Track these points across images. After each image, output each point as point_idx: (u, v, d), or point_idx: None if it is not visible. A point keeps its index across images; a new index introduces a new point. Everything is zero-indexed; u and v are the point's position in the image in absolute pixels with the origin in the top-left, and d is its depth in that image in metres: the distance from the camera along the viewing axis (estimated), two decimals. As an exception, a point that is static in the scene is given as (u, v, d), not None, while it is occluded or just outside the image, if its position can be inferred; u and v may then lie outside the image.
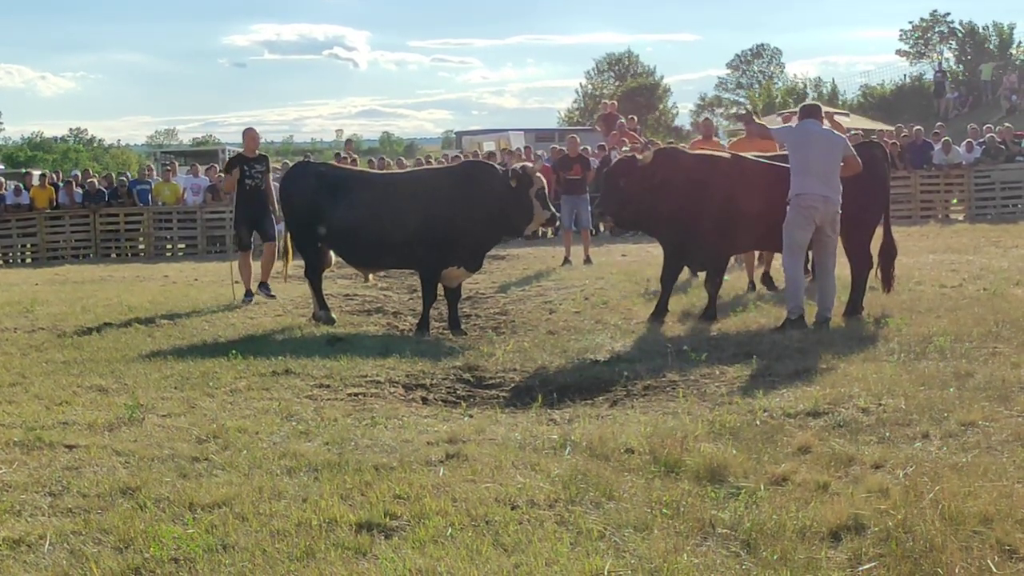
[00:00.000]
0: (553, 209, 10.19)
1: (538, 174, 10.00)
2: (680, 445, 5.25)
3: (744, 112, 12.03)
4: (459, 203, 9.76)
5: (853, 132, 18.31)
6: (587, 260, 15.67)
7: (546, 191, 10.11)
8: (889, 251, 9.74)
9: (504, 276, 14.58)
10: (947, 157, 22.21)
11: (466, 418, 6.31)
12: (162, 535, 4.21)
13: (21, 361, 8.45)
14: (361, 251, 10.30)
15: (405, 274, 15.77)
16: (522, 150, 24.67)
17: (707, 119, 13.60)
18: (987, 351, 7.22)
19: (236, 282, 12.50)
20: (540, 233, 14.27)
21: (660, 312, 9.47)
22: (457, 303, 10.15)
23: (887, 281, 9.74)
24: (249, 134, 12.64)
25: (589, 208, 16.12)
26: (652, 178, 9.23)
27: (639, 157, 9.48)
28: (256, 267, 12.43)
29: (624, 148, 19.05)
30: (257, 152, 12.58)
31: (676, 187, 9.24)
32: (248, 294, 12.12)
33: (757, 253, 11.52)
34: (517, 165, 10.43)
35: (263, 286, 12.10)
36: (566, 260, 15.70)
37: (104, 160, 60.38)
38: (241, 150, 12.76)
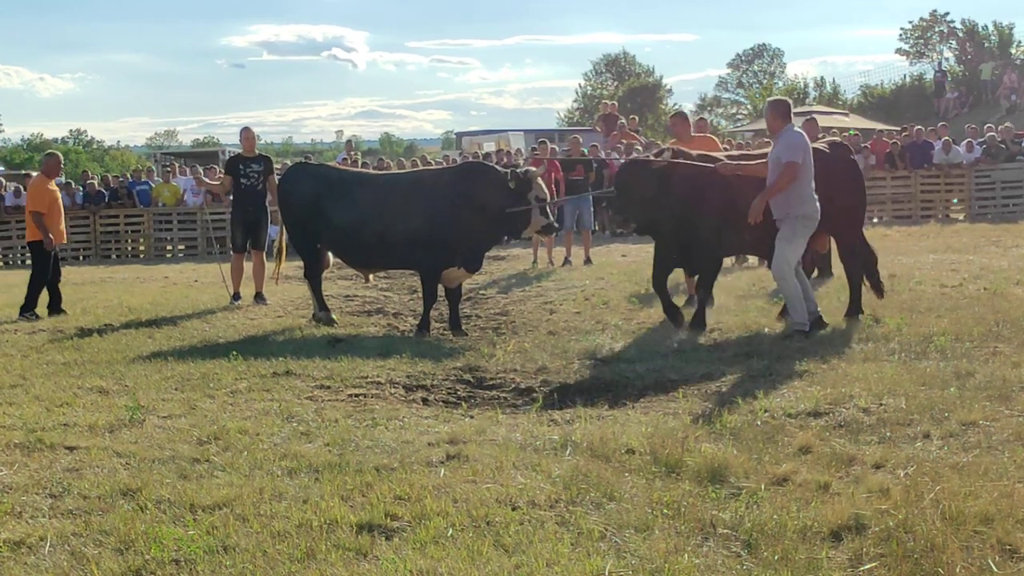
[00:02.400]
0: (552, 218, 10.10)
1: (539, 180, 9.95)
2: (681, 445, 5.25)
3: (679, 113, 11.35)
4: (459, 203, 9.74)
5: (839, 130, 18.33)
6: (587, 261, 15.68)
7: (548, 198, 10.07)
8: (869, 257, 9.31)
9: (504, 276, 14.59)
10: (947, 157, 22.22)
11: (467, 419, 6.31)
12: (163, 536, 4.21)
13: (22, 362, 8.46)
14: (360, 252, 10.30)
15: (405, 275, 15.78)
16: (523, 150, 24.69)
17: (702, 118, 13.31)
18: (988, 350, 7.23)
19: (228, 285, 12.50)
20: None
21: (701, 320, 8.92)
22: (458, 303, 10.15)
23: (877, 287, 9.29)
24: (245, 134, 12.55)
25: (591, 208, 16.14)
26: (669, 180, 8.81)
27: (655, 159, 9.08)
28: (249, 269, 12.36)
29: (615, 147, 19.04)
30: (256, 152, 12.52)
31: (693, 188, 8.78)
32: (235, 296, 12.06)
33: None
34: (520, 168, 10.37)
35: (258, 296, 12.00)
36: (566, 260, 15.71)
37: (104, 162, 60.40)
38: (240, 151, 12.75)
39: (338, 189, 10.23)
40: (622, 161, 9.33)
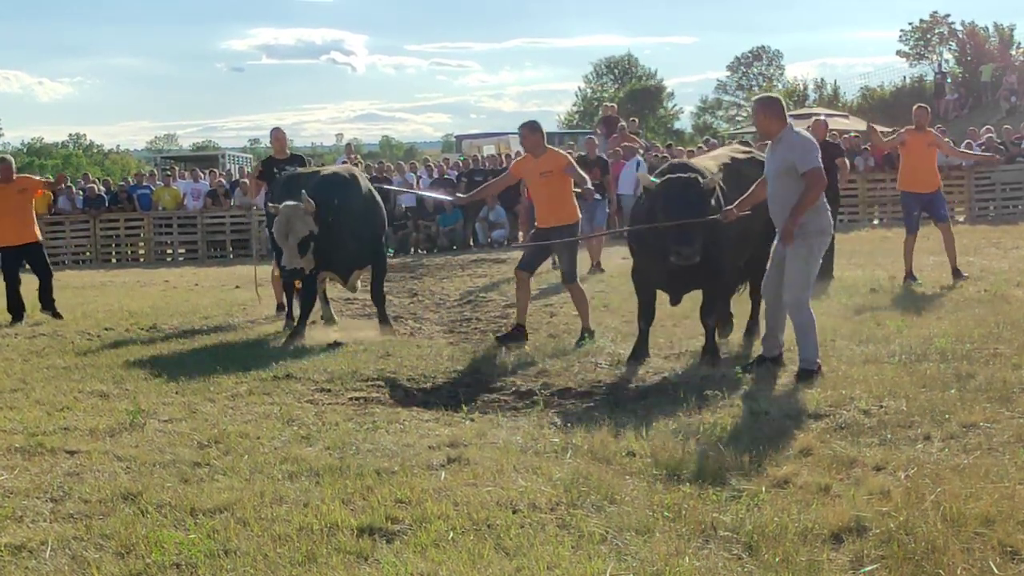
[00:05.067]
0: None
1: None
2: (681, 448, 5.25)
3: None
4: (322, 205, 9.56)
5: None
6: (596, 266, 14.72)
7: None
8: None
9: (505, 279, 14.57)
10: (947, 158, 22.18)
11: (467, 422, 6.31)
12: (164, 540, 4.21)
13: (22, 366, 8.46)
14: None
15: (406, 277, 15.81)
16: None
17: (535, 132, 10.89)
18: (988, 352, 7.22)
19: (259, 285, 12.16)
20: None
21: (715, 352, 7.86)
22: (382, 304, 10.05)
23: None
24: (276, 134, 11.77)
25: (606, 213, 15.23)
26: (713, 194, 7.52)
27: (703, 177, 7.54)
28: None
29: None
30: (288, 152, 11.73)
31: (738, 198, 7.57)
32: (280, 307, 11.41)
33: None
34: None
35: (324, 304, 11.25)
36: (593, 267, 14.36)
37: (105, 166, 60.43)
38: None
39: (287, 192, 10.13)
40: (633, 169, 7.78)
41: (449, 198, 14.94)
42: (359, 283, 11.03)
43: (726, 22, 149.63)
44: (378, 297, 10.18)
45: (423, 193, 19.08)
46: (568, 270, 9.16)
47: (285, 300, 11.08)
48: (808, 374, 6.89)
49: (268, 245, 11.94)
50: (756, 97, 7.90)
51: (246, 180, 23.89)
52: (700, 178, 7.53)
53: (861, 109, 41.41)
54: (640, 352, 7.91)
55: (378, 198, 10.33)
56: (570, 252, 9.14)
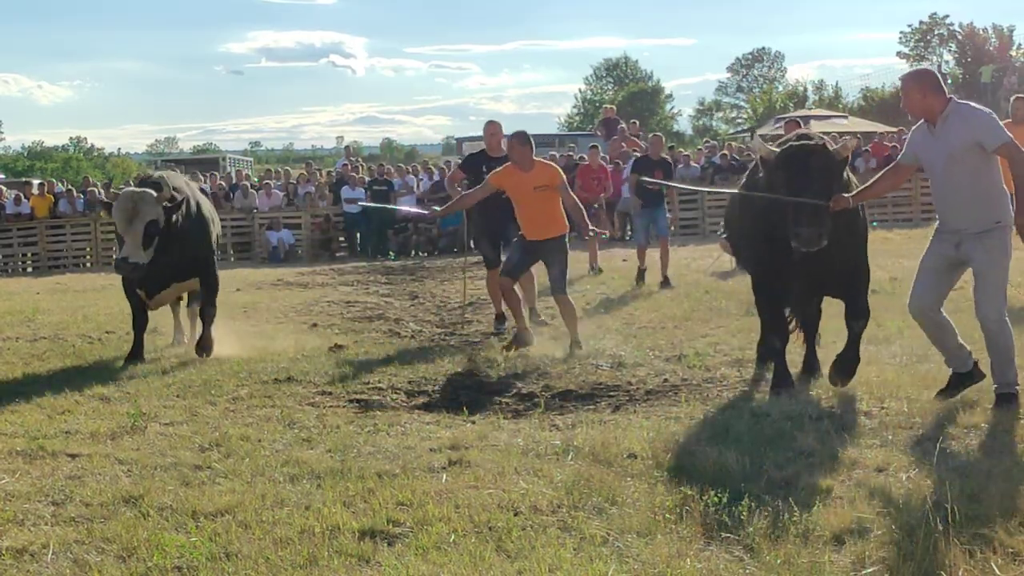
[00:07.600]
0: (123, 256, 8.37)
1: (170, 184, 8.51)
2: (683, 450, 5.25)
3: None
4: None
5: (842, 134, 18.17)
6: (664, 281, 12.91)
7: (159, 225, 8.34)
8: None
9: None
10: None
11: (468, 424, 6.31)
12: (165, 543, 4.21)
13: (23, 370, 8.47)
14: None
15: (406, 280, 15.82)
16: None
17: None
18: (989, 353, 7.21)
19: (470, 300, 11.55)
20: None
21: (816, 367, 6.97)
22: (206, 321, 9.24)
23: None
24: (491, 128, 10.36)
25: (666, 213, 13.73)
26: (844, 166, 6.42)
27: (831, 147, 6.40)
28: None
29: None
30: (502, 151, 10.07)
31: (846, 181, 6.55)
32: (499, 319, 10.35)
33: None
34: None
35: (532, 312, 10.09)
36: (640, 275, 13.28)
37: (106, 169, 60.45)
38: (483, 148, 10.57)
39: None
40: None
41: (425, 212, 13.35)
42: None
43: (724, 24, 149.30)
44: (206, 314, 9.19)
45: (402, 209, 18.86)
46: (559, 281, 8.83)
47: (504, 309, 9.85)
48: (1009, 398, 5.84)
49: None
50: (905, 74, 6.37)
51: (245, 183, 23.98)
52: (828, 146, 6.41)
53: (862, 110, 41.47)
54: (783, 379, 6.59)
55: (205, 214, 9.21)
56: (561, 263, 8.83)
